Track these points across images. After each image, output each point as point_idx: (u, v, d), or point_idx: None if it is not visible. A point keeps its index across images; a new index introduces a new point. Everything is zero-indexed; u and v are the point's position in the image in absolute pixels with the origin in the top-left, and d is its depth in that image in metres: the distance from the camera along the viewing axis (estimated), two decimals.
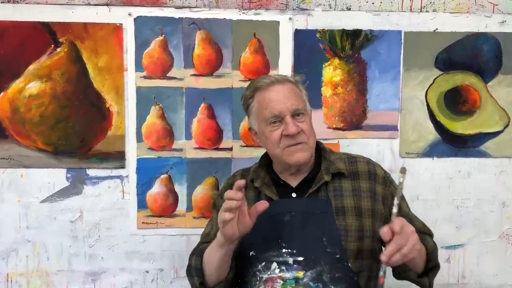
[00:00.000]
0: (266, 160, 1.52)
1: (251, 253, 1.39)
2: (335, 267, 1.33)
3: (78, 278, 1.85)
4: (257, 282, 1.37)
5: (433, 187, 1.90)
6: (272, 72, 1.82)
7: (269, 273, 1.36)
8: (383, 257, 1.17)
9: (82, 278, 1.85)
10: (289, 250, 1.36)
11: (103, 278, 1.86)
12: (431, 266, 1.39)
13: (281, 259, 1.36)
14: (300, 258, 1.35)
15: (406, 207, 1.50)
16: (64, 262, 1.84)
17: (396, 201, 1.23)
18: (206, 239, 1.49)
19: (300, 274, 1.33)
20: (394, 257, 1.17)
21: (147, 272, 1.87)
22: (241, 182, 1.23)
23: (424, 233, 1.47)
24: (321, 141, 1.55)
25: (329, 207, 1.39)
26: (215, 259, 1.35)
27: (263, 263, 1.37)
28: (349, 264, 1.35)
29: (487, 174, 1.91)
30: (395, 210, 1.23)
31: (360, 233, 1.38)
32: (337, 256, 1.34)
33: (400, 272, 1.40)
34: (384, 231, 1.18)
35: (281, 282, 1.34)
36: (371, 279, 1.41)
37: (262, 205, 1.27)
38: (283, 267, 1.35)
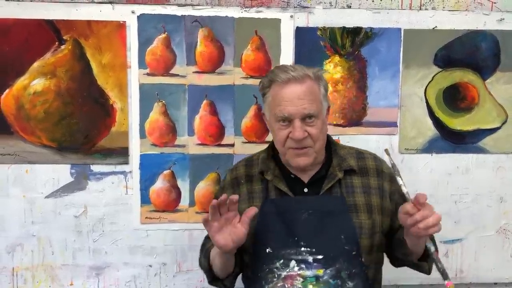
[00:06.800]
0: (274, 151, 1.49)
1: (267, 250, 1.38)
2: (352, 263, 1.36)
3: (82, 273, 1.87)
4: (275, 279, 1.36)
5: (431, 183, 1.93)
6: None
7: (288, 270, 1.36)
8: (421, 224, 1.22)
9: (86, 272, 1.87)
10: (308, 249, 1.36)
11: (106, 272, 1.88)
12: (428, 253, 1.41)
13: (300, 257, 1.36)
14: (320, 257, 1.36)
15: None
16: (69, 256, 1.86)
17: (400, 181, 1.31)
18: None
19: (320, 272, 1.35)
20: (430, 229, 1.23)
21: (150, 266, 1.89)
22: (235, 198, 1.29)
23: None
24: None
25: (344, 204, 1.40)
26: (218, 263, 1.40)
27: (281, 261, 1.37)
28: (363, 260, 1.37)
29: (485, 169, 1.94)
30: (405, 189, 1.30)
31: (373, 229, 1.41)
32: (354, 253, 1.37)
33: (403, 257, 1.42)
34: (410, 206, 1.24)
35: (301, 279, 1.35)
36: (378, 272, 1.46)
37: (252, 210, 1.31)
38: (303, 265, 1.36)
